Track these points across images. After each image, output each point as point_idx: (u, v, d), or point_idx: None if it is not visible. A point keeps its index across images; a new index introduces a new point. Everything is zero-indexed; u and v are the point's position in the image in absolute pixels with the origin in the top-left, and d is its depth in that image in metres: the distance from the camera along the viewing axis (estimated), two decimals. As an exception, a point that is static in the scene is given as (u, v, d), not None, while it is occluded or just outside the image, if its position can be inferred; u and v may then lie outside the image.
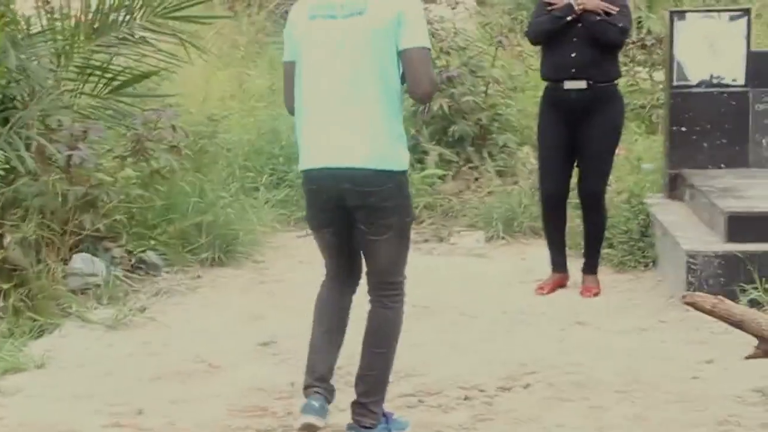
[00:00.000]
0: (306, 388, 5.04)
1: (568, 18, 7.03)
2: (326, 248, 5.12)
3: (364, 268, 5.07)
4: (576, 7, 7.02)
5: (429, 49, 4.84)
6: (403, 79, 4.83)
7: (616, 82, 7.26)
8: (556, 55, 7.12)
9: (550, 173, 7.30)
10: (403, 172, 4.88)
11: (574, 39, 7.05)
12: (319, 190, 4.89)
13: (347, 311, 5.21)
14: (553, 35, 7.11)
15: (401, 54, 4.76)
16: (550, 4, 7.14)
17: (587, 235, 7.43)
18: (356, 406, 4.98)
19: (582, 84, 7.06)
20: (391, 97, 4.79)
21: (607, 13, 7.00)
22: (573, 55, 7.04)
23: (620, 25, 7.08)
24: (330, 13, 4.82)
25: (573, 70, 7.06)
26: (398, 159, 4.82)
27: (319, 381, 5.03)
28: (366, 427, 4.94)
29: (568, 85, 7.09)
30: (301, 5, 4.96)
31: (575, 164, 7.30)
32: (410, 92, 4.85)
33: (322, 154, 4.82)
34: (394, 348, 5.07)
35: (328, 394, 5.06)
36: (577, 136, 7.15)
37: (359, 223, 4.87)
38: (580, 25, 7.03)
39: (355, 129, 4.75)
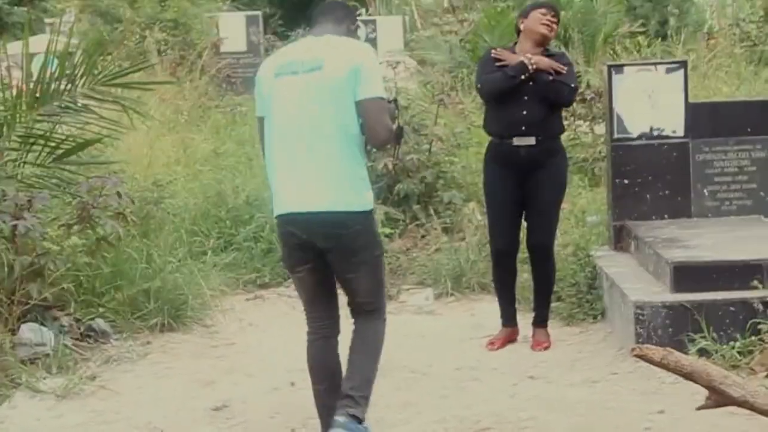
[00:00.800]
0: None
1: (522, 77, 7.09)
2: (304, 288, 5.48)
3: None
4: (530, 67, 7.08)
5: (384, 99, 5.22)
6: (362, 127, 5.17)
7: (559, 136, 7.33)
8: (506, 112, 7.14)
9: (501, 229, 7.33)
10: (369, 212, 5.29)
11: (525, 97, 7.08)
12: (292, 233, 5.28)
13: (338, 359, 5.50)
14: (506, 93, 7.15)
15: (357, 105, 5.14)
16: (500, 60, 7.20)
17: (537, 288, 7.46)
18: (345, 398, 5.31)
19: (531, 140, 7.10)
20: (351, 144, 5.18)
21: (557, 72, 7.09)
22: (524, 113, 7.08)
23: (572, 85, 7.20)
24: (293, 69, 5.24)
25: (523, 128, 7.10)
26: (363, 200, 5.22)
27: None
28: (354, 416, 5.27)
29: (518, 141, 7.11)
30: (268, 65, 5.41)
31: (523, 218, 7.33)
32: (368, 141, 5.22)
33: (292, 200, 5.22)
34: (378, 356, 5.48)
35: None
36: (525, 190, 7.19)
37: (333, 264, 5.28)
38: (531, 83, 7.08)
39: (320, 175, 5.15)
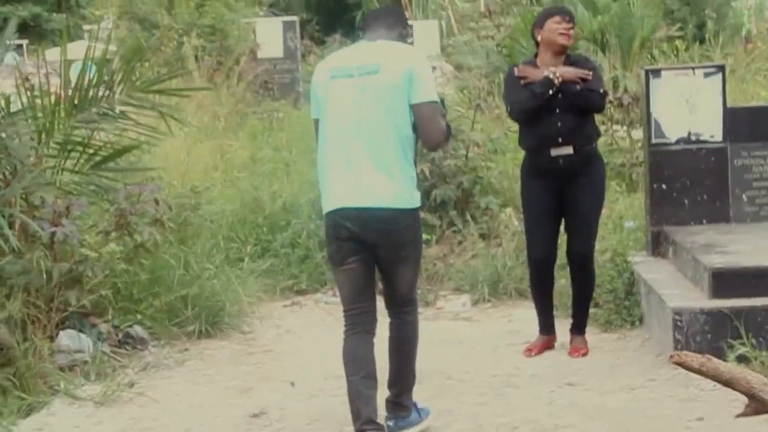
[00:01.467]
0: None
1: (550, 92, 7.06)
2: (351, 281, 5.67)
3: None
4: (556, 81, 7.05)
5: (437, 102, 5.50)
6: (415, 128, 5.50)
7: (596, 144, 7.30)
8: (540, 126, 7.09)
9: (539, 239, 7.29)
10: (417, 209, 5.62)
11: (557, 110, 7.05)
12: (345, 227, 5.52)
13: (374, 355, 5.71)
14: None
15: (412, 108, 5.44)
16: (524, 77, 7.17)
17: (575, 296, 7.43)
18: (391, 404, 5.82)
19: (569, 150, 7.06)
20: (404, 145, 5.47)
21: (583, 79, 7.06)
22: (558, 124, 7.04)
23: (601, 90, 7.16)
24: (348, 73, 5.52)
25: (559, 139, 7.06)
26: (414, 198, 5.55)
27: (367, 423, 5.55)
28: (402, 417, 5.81)
29: (555, 152, 7.07)
30: (323, 68, 5.69)
31: (562, 227, 7.31)
32: (423, 143, 5.57)
33: (347, 196, 5.48)
34: (416, 352, 5.85)
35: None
36: (564, 199, 7.17)
37: (381, 258, 5.58)
38: (560, 95, 7.05)
39: (375, 173, 5.43)
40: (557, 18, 7.15)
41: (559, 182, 7.12)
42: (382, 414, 5.79)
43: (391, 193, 5.43)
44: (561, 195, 7.15)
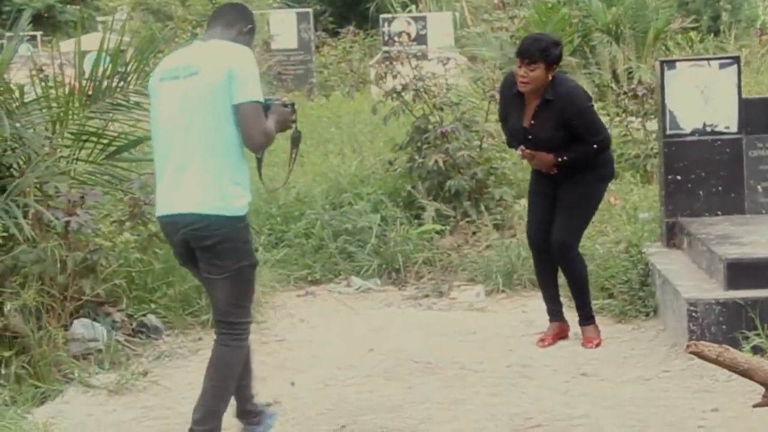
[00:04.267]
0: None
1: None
2: (199, 280, 5.62)
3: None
4: (518, 154, 7.24)
5: (259, 102, 5.24)
6: None
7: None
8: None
9: (532, 218, 7.36)
10: (240, 218, 5.28)
11: (526, 143, 7.12)
12: (170, 234, 5.41)
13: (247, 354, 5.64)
14: None
15: (234, 108, 5.19)
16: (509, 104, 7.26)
17: (570, 288, 7.45)
18: None
19: (553, 171, 7.12)
20: (228, 149, 5.21)
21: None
22: (530, 137, 7.13)
23: (594, 146, 7.02)
24: (174, 75, 5.34)
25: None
26: (234, 205, 5.23)
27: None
28: None
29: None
30: (157, 70, 5.53)
31: None
32: (245, 144, 5.25)
33: (168, 203, 5.31)
34: (228, 384, 5.45)
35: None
36: (557, 188, 7.18)
37: (200, 262, 5.34)
38: (529, 136, 7.09)
39: (192, 179, 5.20)
40: (518, 61, 6.97)
41: (551, 176, 7.17)
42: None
43: (204, 199, 5.19)
44: (557, 185, 7.16)
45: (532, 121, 7.04)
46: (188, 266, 5.56)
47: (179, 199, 5.24)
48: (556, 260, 7.31)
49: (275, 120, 5.37)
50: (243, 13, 5.60)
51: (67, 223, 7.10)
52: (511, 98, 7.17)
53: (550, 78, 6.97)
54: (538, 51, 6.88)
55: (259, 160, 5.72)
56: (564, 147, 7.00)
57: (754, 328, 6.58)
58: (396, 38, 17.66)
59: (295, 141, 5.75)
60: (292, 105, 5.52)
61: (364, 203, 9.81)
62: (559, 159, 7.00)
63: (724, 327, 6.68)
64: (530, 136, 7.06)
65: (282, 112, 5.43)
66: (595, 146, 7.03)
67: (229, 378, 5.43)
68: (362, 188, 10.18)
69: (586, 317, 7.37)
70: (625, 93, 11.52)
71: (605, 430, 5.65)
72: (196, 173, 5.19)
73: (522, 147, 7.12)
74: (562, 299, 7.53)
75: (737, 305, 6.68)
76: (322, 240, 9.48)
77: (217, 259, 5.26)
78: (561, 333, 7.42)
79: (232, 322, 5.39)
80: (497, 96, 10.07)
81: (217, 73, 5.18)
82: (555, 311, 7.46)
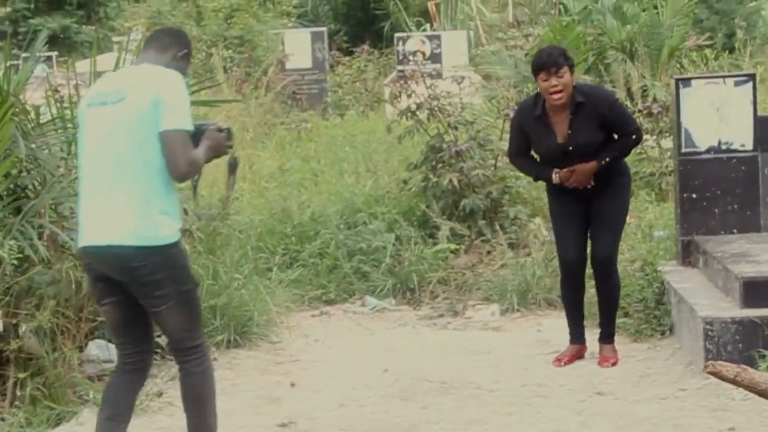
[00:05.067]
0: None
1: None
2: (109, 321, 5.41)
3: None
4: (554, 181, 7.12)
5: (186, 132, 5.03)
6: None
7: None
8: (557, 166, 7.13)
9: (568, 242, 7.26)
10: (171, 245, 5.10)
11: (566, 161, 7.03)
12: (91, 266, 5.23)
13: (130, 396, 5.40)
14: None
15: (160, 136, 5.00)
16: (525, 132, 7.21)
17: (601, 305, 7.40)
18: None
19: (590, 184, 7.08)
20: (155, 177, 5.04)
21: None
22: (574, 164, 7.04)
23: (633, 136, 7.12)
24: (102, 100, 5.16)
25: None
26: (161, 234, 5.05)
27: None
28: None
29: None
30: (87, 94, 5.37)
31: (588, 234, 7.28)
32: (169, 173, 5.04)
33: (91, 233, 5.12)
34: (209, 408, 5.36)
35: None
36: (589, 207, 7.15)
37: (140, 300, 5.15)
38: (570, 147, 7.01)
39: (117, 208, 5.03)
40: (543, 75, 6.92)
41: (582, 192, 7.11)
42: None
43: (130, 230, 5.01)
44: (586, 203, 7.13)
45: (569, 132, 7.01)
46: (106, 300, 5.27)
47: (105, 230, 5.06)
48: (599, 277, 7.29)
49: (208, 146, 5.17)
50: (178, 37, 5.44)
51: (82, 244, 7.09)
52: (532, 124, 7.11)
53: (573, 81, 7.02)
54: (561, 56, 6.95)
55: (195, 187, 5.55)
56: (602, 149, 7.00)
57: (770, 346, 6.56)
58: (410, 57, 17.67)
59: (232, 167, 5.58)
60: (228, 130, 5.33)
61: (378, 223, 9.81)
62: (603, 161, 6.97)
63: (740, 345, 6.65)
64: (570, 148, 6.98)
65: (216, 138, 5.22)
66: (633, 136, 7.10)
67: (209, 401, 5.36)
68: (377, 208, 10.18)
69: (609, 335, 7.35)
70: (640, 111, 11.50)
71: (621, 450, 5.62)
72: (122, 203, 5.02)
73: (556, 171, 7.06)
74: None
75: (753, 324, 6.65)
76: (336, 260, 9.48)
77: (156, 290, 5.09)
78: (579, 354, 7.39)
79: (189, 348, 5.26)
80: (511, 114, 10.12)
81: (143, 98, 5.02)
82: (579, 334, 7.43)
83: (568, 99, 6.96)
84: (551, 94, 6.92)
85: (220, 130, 5.26)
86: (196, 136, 5.13)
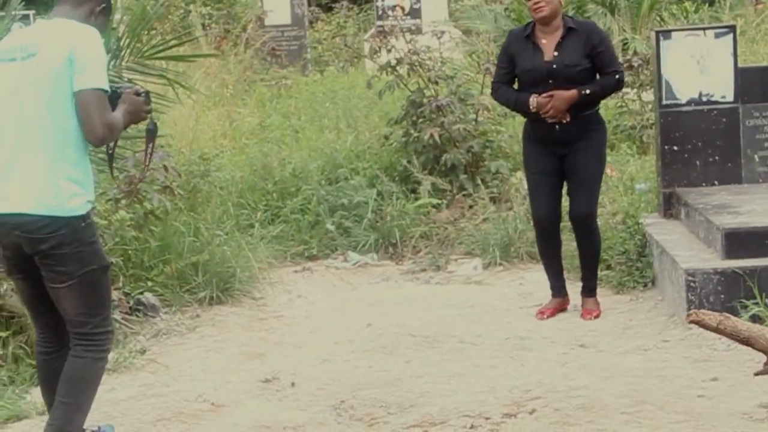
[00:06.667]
0: None
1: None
2: (22, 297, 5.15)
3: None
4: (531, 108, 7.02)
5: (104, 91, 4.73)
6: None
7: (597, 108, 7.23)
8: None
9: (539, 198, 7.27)
10: (79, 217, 4.75)
11: (549, 81, 6.98)
12: (1, 237, 4.81)
13: (58, 372, 4.95)
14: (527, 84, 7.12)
15: (74, 96, 4.68)
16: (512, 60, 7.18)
17: (582, 259, 7.41)
18: None
19: (566, 117, 7.03)
20: (66, 141, 4.70)
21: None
22: (555, 67, 7.02)
23: (616, 77, 7.11)
24: (12, 56, 4.79)
25: None
26: (70, 205, 4.71)
27: None
28: None
29: (552, 120, 7.05)
30: None
31: (565, 188, 7.28)
32: (85, 136, 4.72)
33: None
34: (80, 401, 4.91)
35: None
36: (564, 162, 7.13)
37: (42, 271, 4.78)
38: (554, 66, 7.00)
39: (23, 175, 4.69)
40: None
41: (558, 146, 7.09)
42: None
43: (34, 197, 4.65)
44: (561, 158, 7.12)
45: (555, 53, 7.01)
46: (15, 276, 4.99)
47: (8, 196, 4.71)
48: (579, 233, 7.29)
49: (125, 110, 4.85)
50: None
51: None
52: (521, 44, 7.13)
53: (562, 2, 7.09)
54: None
55: (110, 155, 5.15)
56: (585, 82, 6.98)
57: (752, 297, 6.57)
58: (390, 12, 17.58)
59: (151, 133, 5.16)
60: (146, 93, 4.99)
61: (360, 178, 9.80)
62: (583, 92, 6.94)
63: (722, 296, 6.67)
64: (555, 66, 6.97)
65: (134, 101, 4.89)
66: (617, 76, 7.09)
67: (83, 393, 4.89)
68: (358, 163, 10.17)
69: (591, 288, 7.37)
70: (621, 64, 11.47)
71: (605, 401, 5.63)
72: (28, 168, 4.68)
73: (535, 96, 7.02)
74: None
75: (735, 274, 6.67)
76: (318, 215, 9.47)
77: (58, 266, 4.72)
78: (561, 306, 7.40)
79: (86, 333, 4.85)
80: (491, 69, 10.08)
81: (56, 55, 4.66)
82: (559, 287, 7.45)
83: (552, 21, 7.02)
84: (534, 8, 6.99)
85: (138, 94, 4.94)
86: (112, 99, 4.82)
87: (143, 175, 5.91)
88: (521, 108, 7.16)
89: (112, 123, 4.74)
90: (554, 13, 7.01)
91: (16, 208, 4.69)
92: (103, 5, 4.96)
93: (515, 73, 7.18)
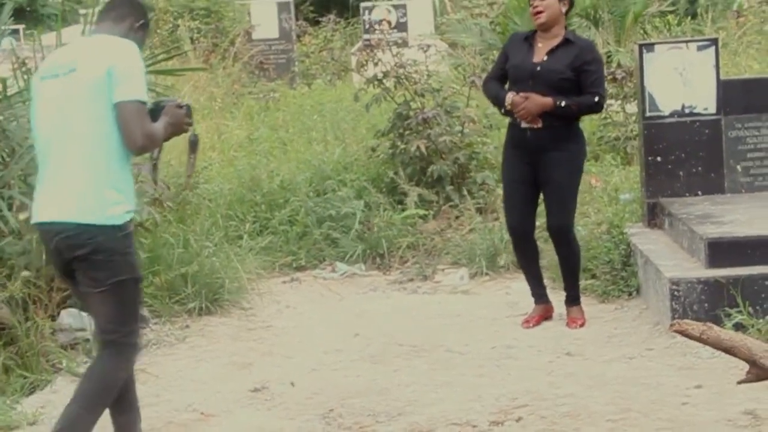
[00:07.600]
0: None
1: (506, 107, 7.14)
2: (77, 299, 5.27)
3: None
4: (506, 106, 7.11)
5: (143, 102, 4.87)
6: None
7: (575, 122, 7.26)
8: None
9: (513, 207, 7.34)
10: (118, 227, 4.88)
11: (530, 82, 7.07)
12: (45, 243, 5.05)
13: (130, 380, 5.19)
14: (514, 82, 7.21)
15: (114, 107, 4.82)
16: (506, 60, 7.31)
17: (563, 270, 7.46)
18: None
19: (538, 123, 7.08)
20: (107, 152, 4.85)
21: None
22: (539, 69, 7.10)
23: (596, 99, 7.11)
24: (54, 73, 4.98)
25: None
26: (109, 213, 4.86)
27: None
28: None
29: (525, 124, 7.11)
30: (40, 68, 5.22)
31: (541, 199, 7.35)
32: (126, 146, 4.86)
33: (40, 210, 4.98)
34: (96, 406, 4.98)
35: None
36: (538, 173, 7.19)
37: (78, 275, 4.96)
38: (538, 68, 7.09)
39: (67, 185, 4.86)
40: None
41: (531, 155, 7.14)
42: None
43: (77, 206, 4.83)
44: (536, 168, 7.18)
45: (545, 57, 7.10)
46: (66, 280, 5.17)
47: (53, 206, 4.90)
48: (556, 244, 7.35)
49: (167, 122, 5.02)
50: (135, 7, 5.19)
51: (53, 213, 7.10)
52: (519, 45, 7.27)
53: (564, 11, 7.21)
54: None
55: (154, 165, 5.31)
56: (565, 92, 7.03)
57: (735, 305, 6.63)
58: (376, 26, 17.70)
59: (193, 145, 5.40)
60: (188, 106, 5.17)
61: (347, 190, 9.86)
62: (558, 103, 6.98)
63: (706, 305, 6.74)
64: (539, 69, 7.06)
65: (176, 114, 5.06)
66: (596, 99, 7.10)
67: (100, 399, 4.99)
68: (345, 175, 10.23)
69: (575, 298, 7.43)
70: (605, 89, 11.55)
71: (591, 409, 5.69)
72: (72, 179, 4.84)
73: (513, 93, 7.07)
74: (545, 281, 7.60)
75: (718, 283, 6.74)
76: (306, 226, 9.52)
77: (92, 271, 4.87)
78: (546, 314, 7.47)
79: (114, 341, 4.98)
80: (477, 81, 10.13)
81: (96, 69, 4.82)
82: (540, 294, 7.52)
83: (550, 28, 7.14)
84: (534, 14, 7.14)
85: (180, 107, 5.11)
86: (156, 112, 5.01)
87: (187, 183, 5.96)
88: (500, 103, 7.22)
89: (151, 132, 4.90)
90: (553, 20, 7.12)
91: (59, 217, 4.86)
92: (142, 21, 5.17)
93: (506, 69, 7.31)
